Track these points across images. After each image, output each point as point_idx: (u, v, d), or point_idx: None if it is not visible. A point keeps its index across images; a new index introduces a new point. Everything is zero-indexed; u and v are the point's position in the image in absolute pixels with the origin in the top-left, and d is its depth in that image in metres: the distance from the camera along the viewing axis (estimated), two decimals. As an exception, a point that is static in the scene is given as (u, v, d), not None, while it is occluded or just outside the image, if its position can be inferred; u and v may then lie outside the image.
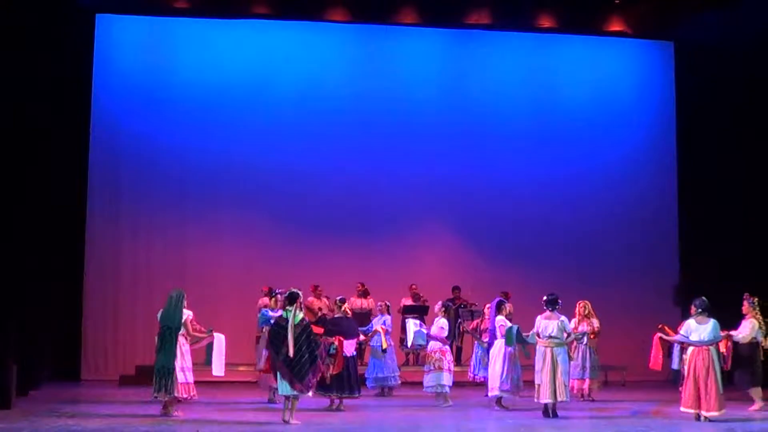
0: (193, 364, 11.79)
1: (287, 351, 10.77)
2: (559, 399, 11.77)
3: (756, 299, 12.94)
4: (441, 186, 18.40)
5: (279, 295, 13.81)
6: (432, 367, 13.20)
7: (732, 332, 12.68)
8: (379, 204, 18.18)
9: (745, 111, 17.72)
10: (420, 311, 16.56)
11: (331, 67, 18.43)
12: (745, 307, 12.92)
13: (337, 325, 12.47)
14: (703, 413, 11.18)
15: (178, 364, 11.45)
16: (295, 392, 10.85)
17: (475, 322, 14.74)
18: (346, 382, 12.34)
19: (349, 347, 12.48)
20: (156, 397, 11.52)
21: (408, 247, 18.16)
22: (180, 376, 11.46)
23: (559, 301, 12.08)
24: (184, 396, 11.57)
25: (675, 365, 12.80)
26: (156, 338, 11.63)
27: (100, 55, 17.63)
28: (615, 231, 18.71)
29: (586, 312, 14.17)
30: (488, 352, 13.10)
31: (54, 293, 16.09)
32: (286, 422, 10.92)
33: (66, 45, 16.77)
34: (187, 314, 11.66)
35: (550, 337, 11.88)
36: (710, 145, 18.30)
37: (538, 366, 11.92)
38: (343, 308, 12.74)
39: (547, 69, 19.02)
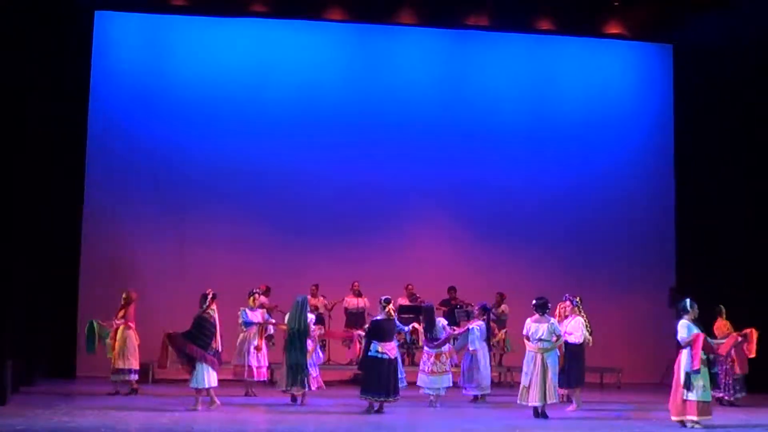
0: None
1: (217, 346, 12.17)
2: (548, 401, 11.86)
3: (578, 298, 13.07)
4: (438, 186, 18.42)
5: (256, 294, 14.01)
6: (438, 369, 13.15)
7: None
8: (376, 204, 18.20)
9: (743, 113, 17.68)
10: (416, 311, 16.56)
11: (329, 67, 18.45)
12: (569, 307, 13.07)
13: (376, 326, 12.22)
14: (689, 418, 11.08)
15: (309, 361, 12.73)
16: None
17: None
18: (385, 385, 12.04)
19: (391, 349, 12.18)
20: (286, 391, 12.76)
21: (404, 247, 18.19)
22: (312, 372, 12.84)
23: (549, 305, 12.23)
24: (314, 388, 12.89)
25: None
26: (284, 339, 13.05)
27: (99, 52, 17.65)
28: (611, 233, 18.70)
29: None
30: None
31: (50, 290, 16.10)
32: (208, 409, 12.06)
33: (65, 42, 16.78)
34: (311, 318, 13.07)
35: (540, 339, 11.94)
36: (708, 147, 18.27)
37: (527, 369, 11.98)
38: (387, 309, 12.23)
39: (545, 71, 19.04)
